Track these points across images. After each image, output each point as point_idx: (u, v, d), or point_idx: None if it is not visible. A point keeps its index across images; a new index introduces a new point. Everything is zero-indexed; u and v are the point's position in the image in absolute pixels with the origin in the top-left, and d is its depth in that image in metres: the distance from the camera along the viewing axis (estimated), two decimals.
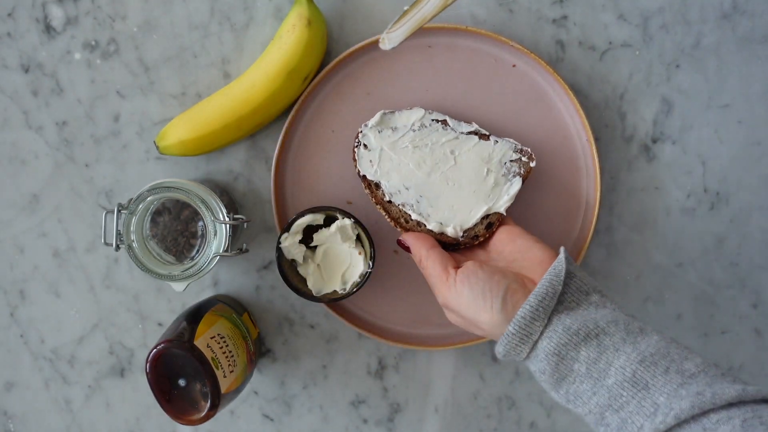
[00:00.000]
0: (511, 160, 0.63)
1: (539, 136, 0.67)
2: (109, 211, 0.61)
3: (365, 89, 0.66)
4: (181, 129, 0.65)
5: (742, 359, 0.71)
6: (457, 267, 0.57)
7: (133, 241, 0.60)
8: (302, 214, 0.62)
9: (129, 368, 0.71)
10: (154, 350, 0.57)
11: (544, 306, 0.51)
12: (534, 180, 0.67)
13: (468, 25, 0.66)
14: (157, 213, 0.62)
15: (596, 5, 0.67)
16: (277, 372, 0.71)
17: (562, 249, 0.54)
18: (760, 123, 0.68)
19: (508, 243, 0.59)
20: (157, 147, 0.66)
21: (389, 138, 0.63)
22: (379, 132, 0.63)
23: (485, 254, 0.61)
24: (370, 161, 0.63)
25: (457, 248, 0.63)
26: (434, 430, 0.71)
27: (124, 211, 0.60)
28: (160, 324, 0.71)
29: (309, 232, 0.64)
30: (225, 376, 0.59)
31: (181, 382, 0.58)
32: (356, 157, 0.63)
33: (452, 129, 0.64)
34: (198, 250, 0.63)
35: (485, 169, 0.63)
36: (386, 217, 0.63)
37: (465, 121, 0.65)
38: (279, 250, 0.62)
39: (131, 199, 0.60)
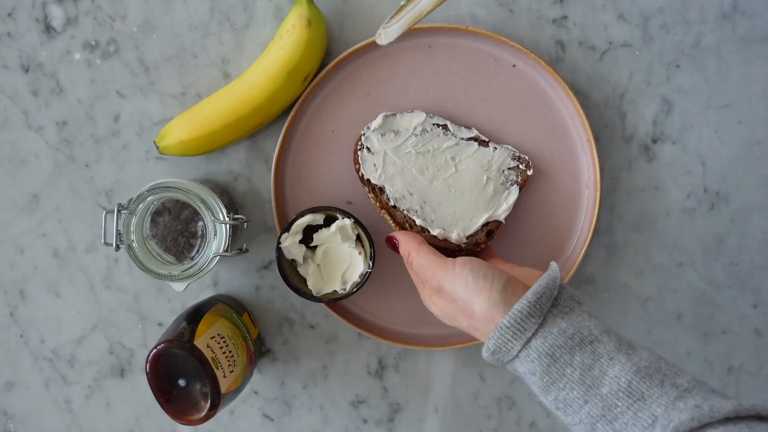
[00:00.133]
0: (509, 168, 0.64)
1: (539, 136, 0.67)
2: (109, 211, 0.61)
3: (365, 89, 0.67)
4: (181, 129, 0.65)
5: (742, 359, 0.71)
6: None
7: (133, 241, 0.60)
8: (302, 214, 0.62)
9: (129, 368, 0.71)
10: (154, 350, 0.57)
11: (541, 304, 0.50)
12: (534, 180, 0.67)
13: (468, 25, 0.66)
14: (157, 213, 0.62)
15: (596, 5, 0.67)
16: (277, 372, 0.71)
17: (553, 262, 0.54)
18: (760, 123, 0.68)
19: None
20: (157, 147, 0.66)
21: (392, 142, 0.63)
22: (381, 135, 0.63)
23: None
24: (374, 165, 0.63)
25: (456, 256, 0.64)
26: (434, 430, 0.71)
27: (124, 211, 0.60)
28: (160, 324, 0.71)
29: (309, 232, 0.64)
30: (225, 376, 0.59)
31: (181, 382, 0.58)
32: (359, 161, 0.63)
33: (453, 134, 0.64)
34: (198, 250, 0.63)
35: (485, 177, 0.64)
36: (390, 221, 0.63)
37: (465, 126, 0.65)
38: (279, 250, 0.62)
39: (131, 199, 0.60)
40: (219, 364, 0.58)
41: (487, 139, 0.65)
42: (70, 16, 0.68)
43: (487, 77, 0.66)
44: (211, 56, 0.68)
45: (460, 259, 0.55)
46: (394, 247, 0.61)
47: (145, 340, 0.71)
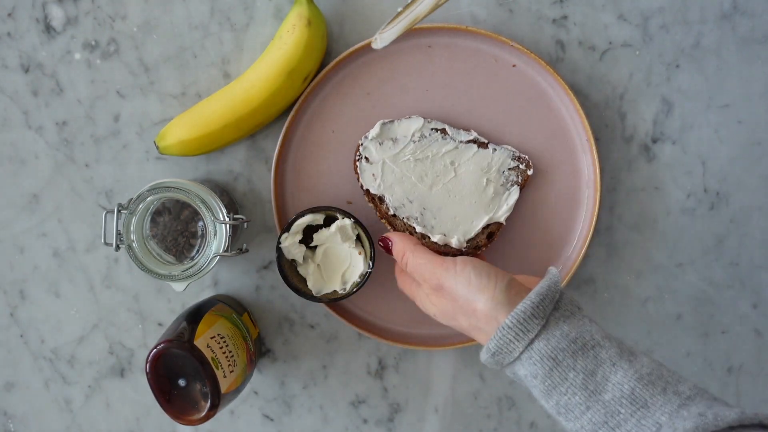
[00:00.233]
0: (509, 168, 0.64)
1: (539, 136, 0.67)
2: (109, 211, 0.61)
3: (365, 89, 0.67)
4: (181, 129, 0.65)
5: (742, 359, 0.71)
6: None
7: (133, 241, 0.60)
8: (302, 214, 0.62)
9: (129, 368, 0.71)
10: (154, 350, 0.57)
11: (544, 305, 0.50)
12: (534, 180, 0.67)
13: (468, 25, 0.66)
14: (157, 213, 0.62)
15: (596, 5, 0.67)
16: (277, 372, 0.71)
17: (552, 267, 0.54)
18: (760, 123, 0.68)
19: None
20: (157, 147, 0.66)
21: (390, 150, 0.63)
22: (380, 144, 0.64)
23: None
24: (373, 175, 0.63)
25: None
26: (434, 430, 0.71)
27: (124, 211, 0.60)
28: (160, 324, 0.71)
29: (309, 232, 0.64)
30: (225, 376, 0.59)
31: (181, 382, 0.58)
32: (358, 171, 0.64)
33: (451, 138, 0.64)
34: (198, 250, 0.63)
35: (484, 180, 0.64)
36: (391, 230, 0.64)
37: (464, 129, 0.65)
38: (279, 250, 0.62)
39: (131, 199, 0.60)
40: (219, 364, 0.58)
41: (486, 141, 0.65)
42: (70, 16, 0.68)
43: (487, 77, 0.66)
44: (211, 56, 0.68)
45: (460, 258, 0.55)
46: (387, 249, 0.61)
47: (145, 340, 0.71)
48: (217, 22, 0.68)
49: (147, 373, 0.57)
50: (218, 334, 0.61)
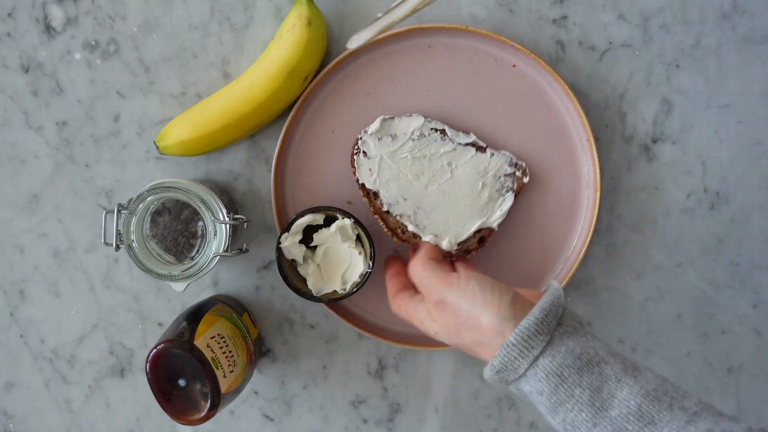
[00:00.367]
0: (505, 174, 0.64)
1: (539, 136, 0.67)
2: (109, 211, 0.61)
3: (365, 89, 0.66)
4: (181, 129, 0.65)
5: (742, 359, 0.71)
6: None
7: (133, 241, 0.60)
8: (302, 214, 0.62)
9: (129, 368, 0.71)
10: (154, 350, 0.57)
11: (548, 321, 0.49)
12: (534, 181, 0.67)
13: (468, 25, 0.66)
14: (157, 213, 0.62)
15: (596, 5, 0.67)
16: (277, 372, 0.71)
17: (554, 281, 0.54)
18: (760, 123, 0.68)
19: None
20: (157, 147, 0.66)
21: (389, 146, 0.63)
22: (378, 140, 0.63)
23: None
24: (370, 169, 0.63)
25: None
26: (434, 430, 0.71)
27: (124, 211, 0.60)
28: (160, 324, 0.71)
29: (309, 232, 0.64)
30: (225, 376, 0.59)
31: (181, 382, 0.58)
32: (355, 165, 0.63)
33: (450, 139, 0.64)
34: (198, 250, 0.63)
35: (480, 183, 0.64)
36: (383, 226, 0.63)
37: (463, 131, 0.65)
38: (279, 250, 0.62)
39: (131, 199, 0.60)
40: (219, 364, 0.58)
41: (484, 145, 0.65)
42: (70, 16, 0.68)
43: (487, 77, 0.66)
44: (211, 56, 0.68)
45: (463, 273, 0.55)
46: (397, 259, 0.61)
47: (145, 340, 0.71)
48: (217, 22, 0.68)
49: (147, 373, 0.57)
50: (218, 334, 0.61)
